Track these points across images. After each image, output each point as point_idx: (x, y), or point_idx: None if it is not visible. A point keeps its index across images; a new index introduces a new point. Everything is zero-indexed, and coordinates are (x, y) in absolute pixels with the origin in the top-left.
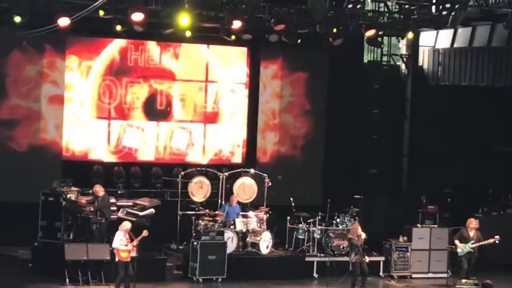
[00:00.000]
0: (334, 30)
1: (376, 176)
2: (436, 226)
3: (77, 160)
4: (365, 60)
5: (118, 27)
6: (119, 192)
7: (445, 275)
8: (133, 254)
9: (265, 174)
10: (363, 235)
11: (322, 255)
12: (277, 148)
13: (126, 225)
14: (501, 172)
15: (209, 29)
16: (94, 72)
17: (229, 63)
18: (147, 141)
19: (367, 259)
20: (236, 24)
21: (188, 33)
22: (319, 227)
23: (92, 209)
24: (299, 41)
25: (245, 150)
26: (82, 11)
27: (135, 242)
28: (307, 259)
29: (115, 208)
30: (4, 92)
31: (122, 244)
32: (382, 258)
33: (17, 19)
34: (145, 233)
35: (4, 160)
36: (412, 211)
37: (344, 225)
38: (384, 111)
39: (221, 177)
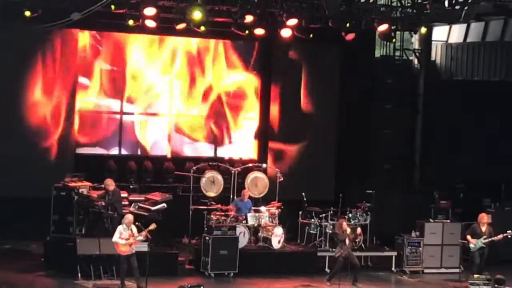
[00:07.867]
0: (347, 24)
1: (389, 171)
2: (448, 221)
3: (89, 154)
4: (378, 55)
5: (130, 22)
6: (131, 186)
7: (457, 270)
8: (143, 247)
9: (277, 169)
10: (348, 230)
11: (334, 250)
12: (289, 142)
13: (128, 217)
14: None
15: (221, 23)
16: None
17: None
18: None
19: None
20: (248, 19)
21: (202, 28)
22: (331, 222)
23: (103, 203)
24: (311, 35)
25: (257, 144)
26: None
27: (140, 236)
28: (319, 254)
29: (127, 202)
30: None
31: (123, 237)
32: (394, 253)
33: (27, 13)
34: (152, 226)
35: (16, 154)
36: (424, 206)
37: (357, 220)
38: (396, 106)
39: (233, 172)
